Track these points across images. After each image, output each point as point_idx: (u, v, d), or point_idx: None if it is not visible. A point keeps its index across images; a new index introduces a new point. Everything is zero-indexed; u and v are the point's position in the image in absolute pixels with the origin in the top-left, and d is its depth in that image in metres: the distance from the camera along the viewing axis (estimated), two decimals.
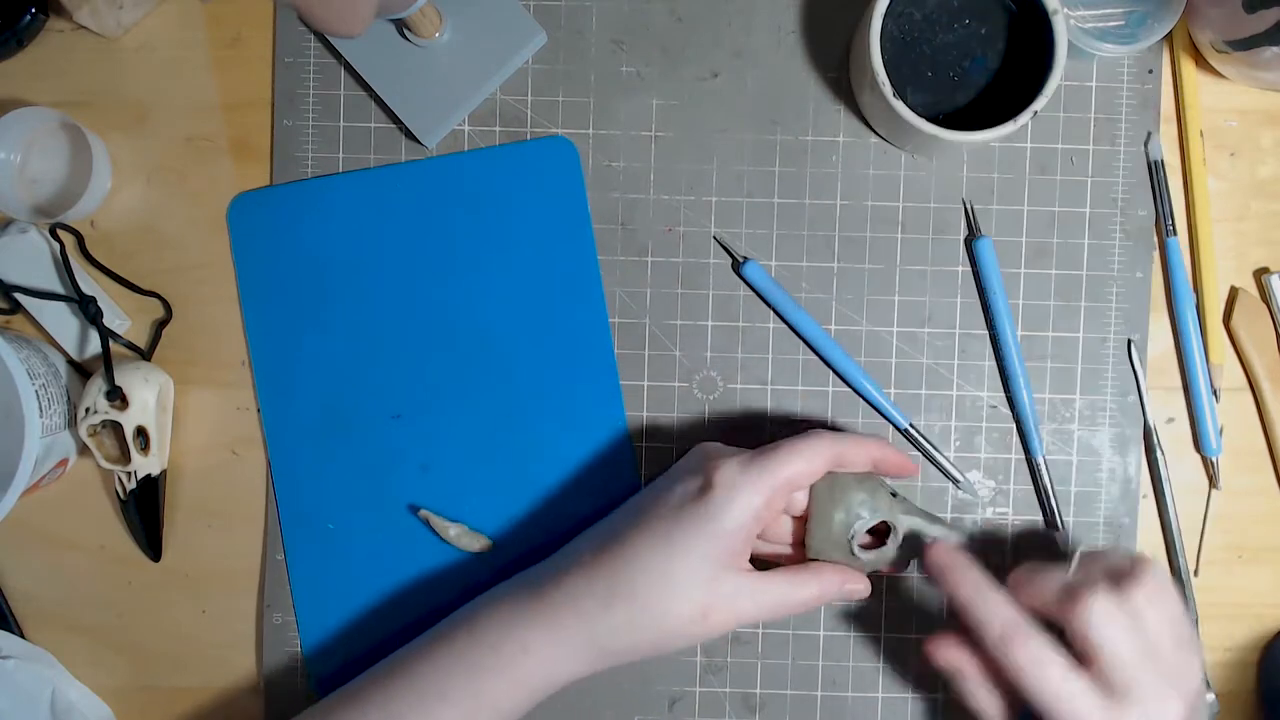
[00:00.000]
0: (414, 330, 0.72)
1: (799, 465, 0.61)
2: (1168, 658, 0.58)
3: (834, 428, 0.72)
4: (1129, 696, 0.56)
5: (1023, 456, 0.72)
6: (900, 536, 0.65)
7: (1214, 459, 0.72)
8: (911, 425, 0.72)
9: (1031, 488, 0.72)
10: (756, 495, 0.61)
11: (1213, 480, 0.72)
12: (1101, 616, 0.57)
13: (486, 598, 0.67)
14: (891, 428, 0.72)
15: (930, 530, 0.65)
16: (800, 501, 0.65)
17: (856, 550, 0.64)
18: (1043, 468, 0.71)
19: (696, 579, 0.60)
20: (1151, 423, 0.72)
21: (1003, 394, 0.72)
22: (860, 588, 0.65)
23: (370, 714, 0.64)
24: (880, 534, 0.66)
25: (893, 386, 0.72)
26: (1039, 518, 0.72)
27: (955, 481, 0.72)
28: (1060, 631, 0.59)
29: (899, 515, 0.65)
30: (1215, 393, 0.72)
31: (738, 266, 0.72)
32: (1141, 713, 0.56)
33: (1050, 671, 0.57)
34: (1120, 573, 0.59)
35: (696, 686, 0.73)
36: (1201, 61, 0.71)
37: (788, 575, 0.63)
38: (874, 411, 0.72)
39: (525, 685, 0.63)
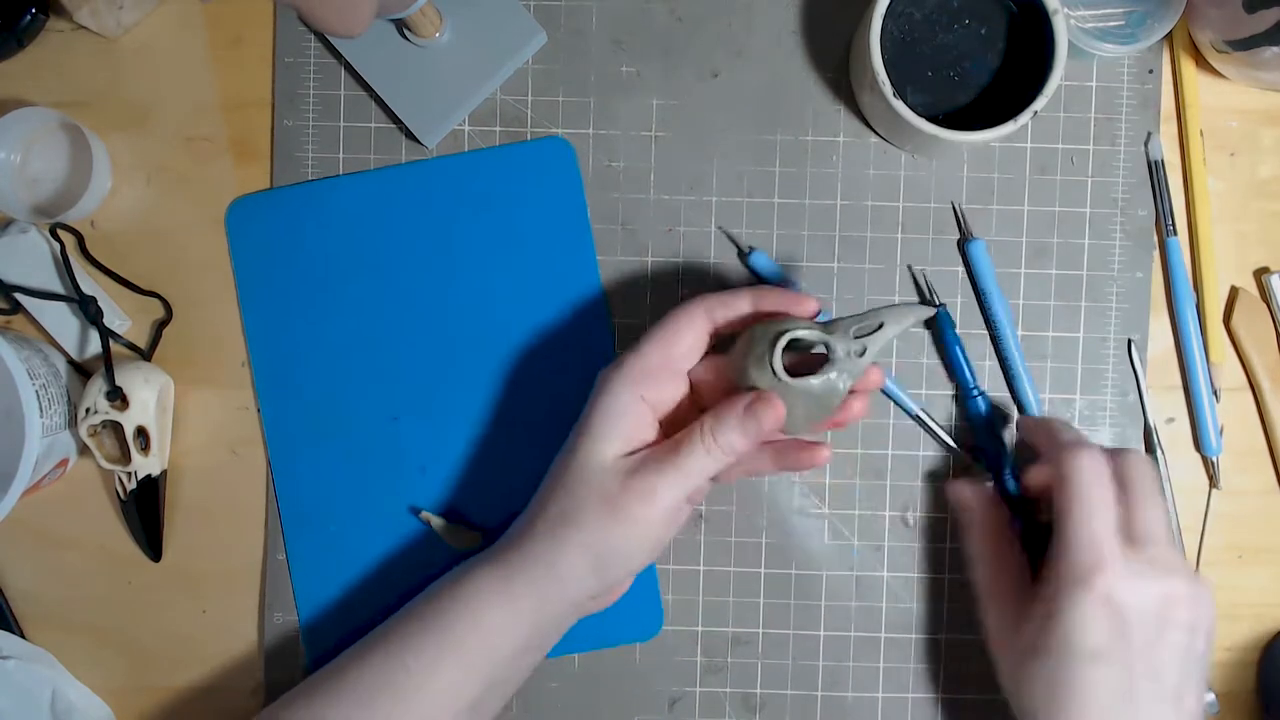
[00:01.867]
0: (412, 332, 0.72)
1: (668, 343, 0.63)
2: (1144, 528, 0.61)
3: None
4: (1149, 553, 0.59)
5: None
6: (838, 352, 0.61)
7: (1214, 459, 0.72)
8: (923, 410, 0.72)
9: None
10: (623, 374, 0.62)
11: (1213, 480, 0.72)
12: (1142, 466, 0.62)
13: (452, 570, 0.67)
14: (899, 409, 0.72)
15: (896, 319, 0.62)
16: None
17: (779, 372, 0.60)
18: None
19: (589, 469, 0.61)
20: (1151, 423, 0.72)
21: (1003, 394, 0.72)
22: (753, 400, 0.60)
23: (347, 677, 0.64)
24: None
25: (893, 386, 0.72)
26: None
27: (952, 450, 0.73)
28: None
29: (828, 334, 0.61)
30: (1215, 392, 0.72)
31: (744, 256, 0.72)
32: (1151, 569, 0.59)
33: (1100, 487, 0.60)
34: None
35: (696, 686, 0.73)
36: (1201, 61, 0.71)
37: (681, 432, 0.62)
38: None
39: (486, 629, 0.62)
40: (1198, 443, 0.72)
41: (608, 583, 0.63)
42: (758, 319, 0.63)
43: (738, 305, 0.63)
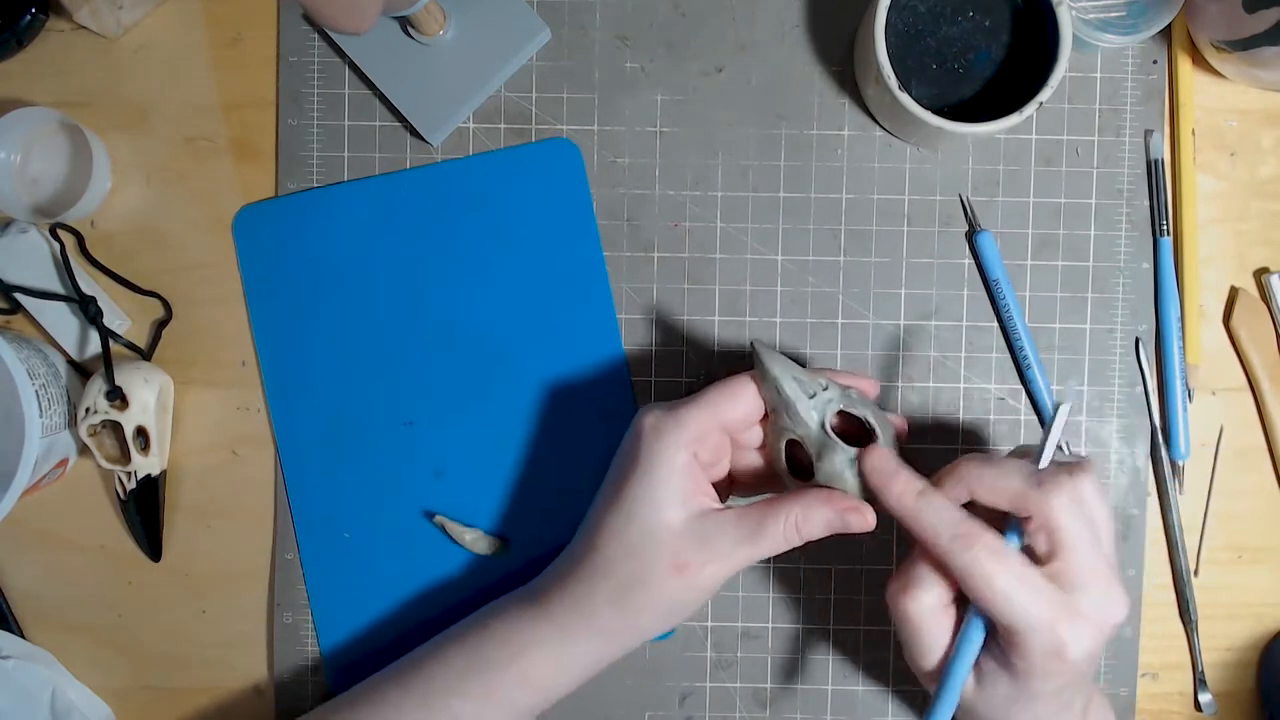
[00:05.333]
0: (423, 337, 0.72)
1: (725, 406, 0.60)
2: (1109, 552, 0.57)
3: None
4: (1086, 589, 0.55)
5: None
6: (879, 429, 0.60)
7: (1181, 464, 0.72)
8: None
9: None
10: (682, 432, 0.60)
11: (1180, 485, 0.73)
12: (1069, 506, 0.55)
13: (496, 603, 0.67)
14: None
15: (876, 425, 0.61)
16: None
17: (830, 433, 0.59)
18: (1066, 454, 0.71)
19: (655, 532, 0.59)
20: (1157, 421, 0.72)
21: (1010, 386, 0.72)
22: (846, 506, 0.59)
23: (386, 711, 0.64)
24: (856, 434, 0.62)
25: (900, 380, 0.72)
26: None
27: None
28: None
29: (866, 410, 0.61)
30: (1189, 393, 0.72)
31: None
32: (1096, 602, 0.55)
33: (1008, 566, 0.55)
34: (1063, 467, 0.58)
35: (707, 682, 0.72)
36: (1201, 61, 0.72)
37: (765, 502, 0.60)
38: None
39: (536, 684, 0.63)
40: (1168, 445, 0.72)
41: (664, 631, 0.63)
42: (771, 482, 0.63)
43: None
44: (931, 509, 0.57)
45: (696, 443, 0.60)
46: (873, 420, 0.60)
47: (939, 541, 0.56)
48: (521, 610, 0.64)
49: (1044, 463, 0.58)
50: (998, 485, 0.57)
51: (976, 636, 0.57)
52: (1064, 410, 0.58)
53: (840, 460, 0.59)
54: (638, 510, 0.60)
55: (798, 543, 0.59)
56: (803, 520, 0.59)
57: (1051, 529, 0.55)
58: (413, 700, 0.64)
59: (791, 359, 0.61)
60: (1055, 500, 0.55)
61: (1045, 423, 0.71)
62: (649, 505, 0.60)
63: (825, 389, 0.60)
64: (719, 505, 0.61)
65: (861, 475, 0.59)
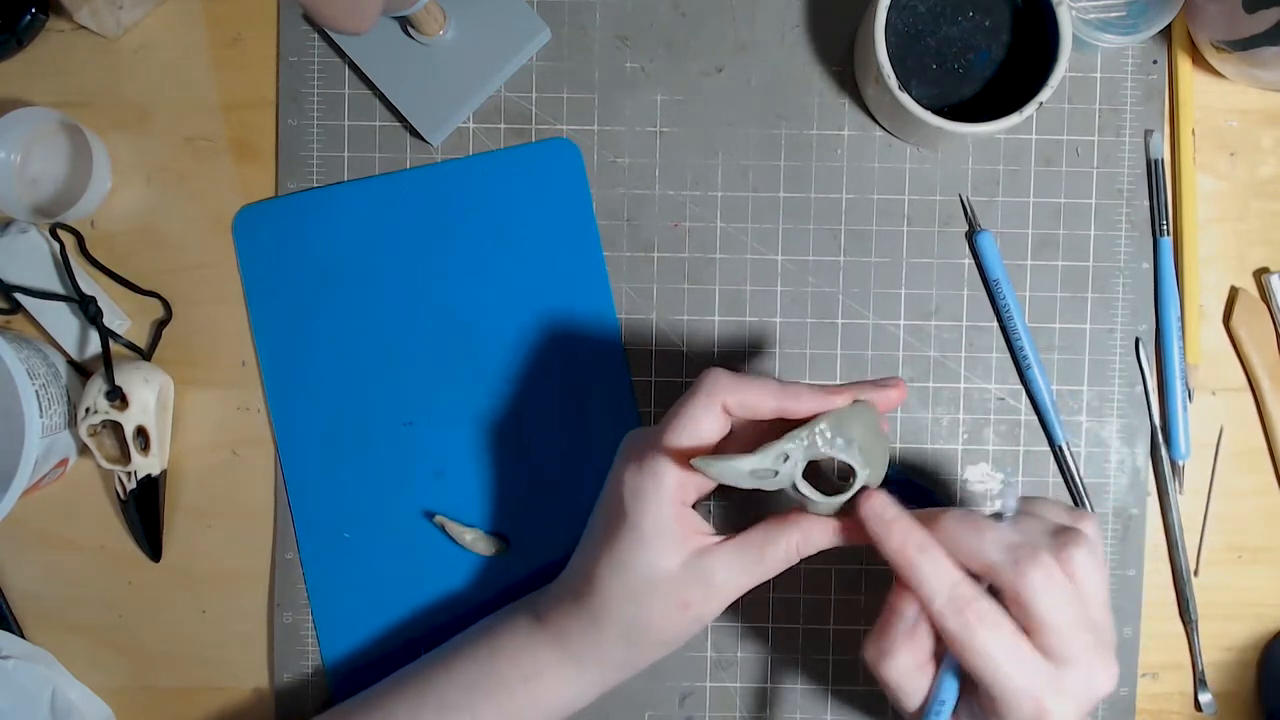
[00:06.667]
0: (422, 337, 0.72)
1: (696, 427, 0.58)
2: (1101, 620, 0.55)
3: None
4: (1072, 663, 0.54)
5: (1031, 449, 0.72)
6: (858, 466, 0.57)
7: (1182, 463, 0.72)
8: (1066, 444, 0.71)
9: (1039, 481, 0.72)
10: (662, 491, 0.58)
11: (1180, 485, 0.73)
12: (1046, 584, 0.53)
13: (503, 616, 0.67)
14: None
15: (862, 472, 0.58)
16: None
17: (804, 490, 0.57)
18: (1067, 454, 0.71)
19: (655, 581, 0.59)
20: (1157, 421, 0.72)
21: (1010, 386, 0.72)
22: (820, 538, 0.59)
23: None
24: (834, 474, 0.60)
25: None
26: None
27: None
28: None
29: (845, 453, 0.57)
30: (1189, 393, 0.72)
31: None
32: (1081, 678, 0.54)
33: (999, 635, 0.53)
34: (1057, 527, 0.56)
35: (707, 681, 0.72)
36: (1201, 61, 0.71)
37: (763, 530, 0.59)
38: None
39: (545, 705, 0.63)
40: (1168, 445, 0.72)
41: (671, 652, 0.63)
42: (782, 422, 0.59)
43: (758, 404, 0.59)
44: (929, 565, 0.55)
45: (679, 490, 0.58)
46: (849, 460, 0.57)
47: (933, 602, 0.54)
48: (532, 632, 0.64)
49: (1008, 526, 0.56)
50: (973, 553, 0.55)
51: (949, 697, 0.56)
52: (1012, 492, 0.57)
53: (823, 508, 0.58)
54: (633, 561, 0.59)
55: (796, 560, 0.59)
56: (803, 544, 0.59)
57: (1027, 610, 0.53)
58: (426, 714, 0.64)
59: (791, 371, 0.60)
60: (1031, 580, 0.53)
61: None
62: (643, 557, 0.59)
63: (786, 459, 0.56)
64: (714, 537, 0.60)
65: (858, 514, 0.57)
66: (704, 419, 0.58)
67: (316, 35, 0.72)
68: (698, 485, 0.59)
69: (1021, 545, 0.54)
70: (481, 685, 0.64)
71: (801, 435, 0.56)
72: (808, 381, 0.68)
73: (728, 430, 0.60)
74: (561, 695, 0.63)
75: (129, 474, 0.70)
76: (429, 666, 0.66)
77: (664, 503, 0.58)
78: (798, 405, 0.58)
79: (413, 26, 0.69)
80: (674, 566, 0.58)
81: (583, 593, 0.62)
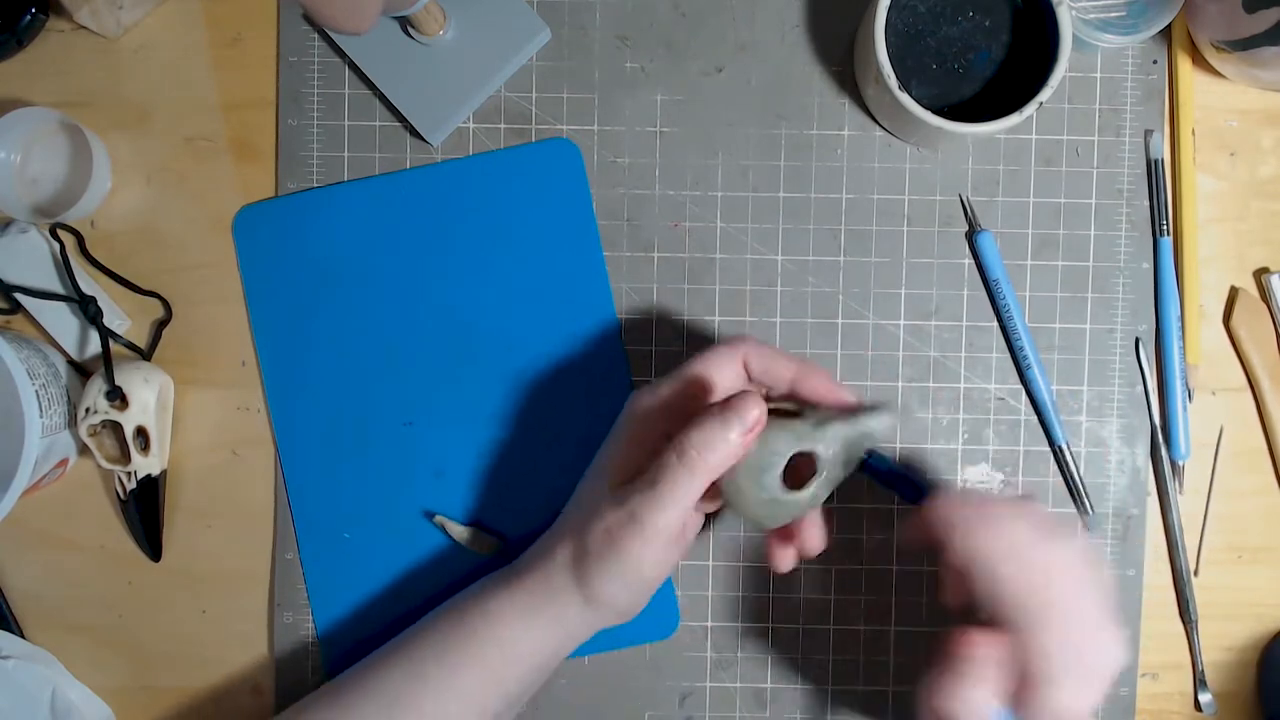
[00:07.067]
0: (423, 337, 0.72)
1: (706, 363, 0.60)
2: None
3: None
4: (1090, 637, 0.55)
5: (1031, 449, 0.72)
6: (825, 465, 0.58)
7: (1181, 464, 0.72)
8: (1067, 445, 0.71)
9: (1040, 480, 0.72)
10: (654, 396, 0.61)
11: (1180, 485, 0.73)
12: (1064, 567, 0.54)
13: (475, 585, 0.67)
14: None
15: (867, 426, 0.58)
16: None
17: (780, 495, 0.58)
18: (1067, 454, 0.71)
19: (595, 504, 0.60)
20: (1157, 421, 0.72)
21: (1010, 386, 0.72)
22: (728, 407, 0.57)
23: (370, 684, 0.64)
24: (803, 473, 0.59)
25: (900, 380, 0.72)
26: (1047, 510, 0.72)
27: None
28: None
29: (822, 435, 0.58)
30: (1189, 393, 0.72)
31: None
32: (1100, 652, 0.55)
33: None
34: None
35: (707, 681, 0.72)
36: (1201, 61, 0.72)
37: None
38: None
39: (509, 653, 0.63)
40: (1168, 445, 0.72)
41: (625, 609, 0.62)
42: (790, 396, 0.61)
43: (779, 371, 0.60)
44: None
45: (652, 416, 0.60)
46: (828, 470, 0.58)
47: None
48: (494, 581, 0.65)
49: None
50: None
51: None
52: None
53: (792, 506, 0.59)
54: (589, 480, 0.62)
55: (702, 473, 0.56)
56: (687, 439, 0.56)
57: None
58: (391, 674, 0.64)
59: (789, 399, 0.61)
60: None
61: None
62: (594, 476, 0.61)
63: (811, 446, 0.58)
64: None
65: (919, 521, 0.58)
66: (725, 364, 0.61)
67: (316, 35, 0.72)
68: (684, 419, 0.58)
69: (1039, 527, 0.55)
70: (450, 638, 0.64)
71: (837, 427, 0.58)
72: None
73: (737, 389, 0.60)
74: (525, 641, 0.62)
75: (129, 474, 0.70)
76: (406, 632, 0.67)
77: (628, 421, 0.61)
78: (812, 383, 0.60)
79: (413, 26, 0.69)
80: (605, 490, 0.60)
81: (554, 531, 0.64)
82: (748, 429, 0.56)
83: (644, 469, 0.58)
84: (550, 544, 0.63)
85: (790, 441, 0.57)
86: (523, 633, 0.63)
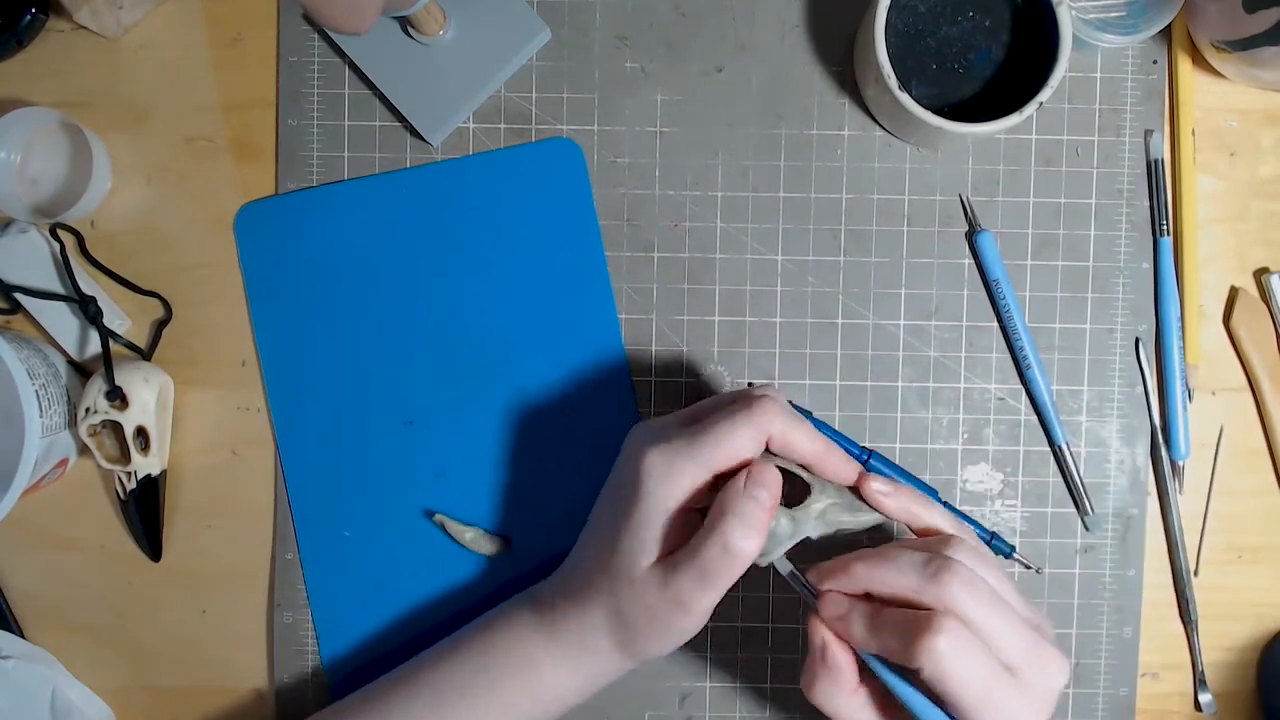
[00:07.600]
0: (423, 336, 0.72)
1: (734, 447, 0.58)
2: (1032, 617, 0.56)
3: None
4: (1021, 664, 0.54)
5: (1031, 449, 0.72)
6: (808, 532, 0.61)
7: (1181, 463, 0.72)
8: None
9: (1039, 480, 0.72)
10: (684, 479, 0.58)
11: (1180, 485, 0.72)
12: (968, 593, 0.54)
13: (502, 607, 0.67)
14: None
15: (865, 521, 0.61)
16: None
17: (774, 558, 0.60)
18: (1067, 454, 0.71)
19: (635, 578, 0.59)
20: (1157, 421, 0.72)
21: (1010, 386, 0.72)
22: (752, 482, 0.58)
23: (393, 713, 0.64)
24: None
25: (900, 380, 0.72)
26: (1047, 510, 0.72)
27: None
28: None
29: (820, 522, 0.61)
30: (1189, 393, 0.72)
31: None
32: (1035, 674, 0.54)
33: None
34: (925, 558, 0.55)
35: (707, 682, 0.72)
36: (1201, 61, 0.71)
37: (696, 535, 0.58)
38: (884, 399, 0.72)
39: (540, 696, 0.63)
40: (1168, 445, 0.72)
41: (661, 656, 0.62)
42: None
43: (798, 449, 0.59)
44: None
45: (689, 495, 0.58)
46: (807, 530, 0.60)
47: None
48: (527, 621, 0.64)
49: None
50: (888, 581, 0.56)
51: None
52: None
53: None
54: (622, 551, 0.59)
55: (746, 562, 0.57)
56: (730, 534, 0.56)
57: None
58: (421, 703, 0.64)
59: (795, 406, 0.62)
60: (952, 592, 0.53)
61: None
62: (631, 550, 0.58)
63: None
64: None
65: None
66: (744, 443, 0.58)
67: (316, 35, 0.72)
68: (704, 492, 0.59)
69: (932, 560, 0.55)
70: (476, 676, 0.64)
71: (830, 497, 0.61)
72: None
73: (756, 455, 0.59)
74: (557, 687, 0.63)
75: (129, 474, 0.70)
76: (425, 659, 0.66)
77: (670, 500, 0.58)
78: (830, 463, 0.60)
79: (413, 26, 0.69)
80: (644, 567, 0.58)
81: (576, 581, 0.62)
82: (769, 511, 0.57)
83: (672, 535, 0.58)
84: (584, 599, 0.61)
85: (796, 531, 0.60)
86: (554, 680, 0.63)
